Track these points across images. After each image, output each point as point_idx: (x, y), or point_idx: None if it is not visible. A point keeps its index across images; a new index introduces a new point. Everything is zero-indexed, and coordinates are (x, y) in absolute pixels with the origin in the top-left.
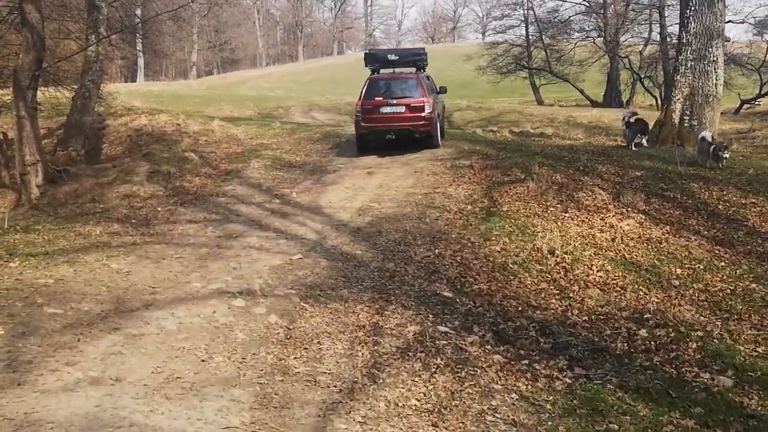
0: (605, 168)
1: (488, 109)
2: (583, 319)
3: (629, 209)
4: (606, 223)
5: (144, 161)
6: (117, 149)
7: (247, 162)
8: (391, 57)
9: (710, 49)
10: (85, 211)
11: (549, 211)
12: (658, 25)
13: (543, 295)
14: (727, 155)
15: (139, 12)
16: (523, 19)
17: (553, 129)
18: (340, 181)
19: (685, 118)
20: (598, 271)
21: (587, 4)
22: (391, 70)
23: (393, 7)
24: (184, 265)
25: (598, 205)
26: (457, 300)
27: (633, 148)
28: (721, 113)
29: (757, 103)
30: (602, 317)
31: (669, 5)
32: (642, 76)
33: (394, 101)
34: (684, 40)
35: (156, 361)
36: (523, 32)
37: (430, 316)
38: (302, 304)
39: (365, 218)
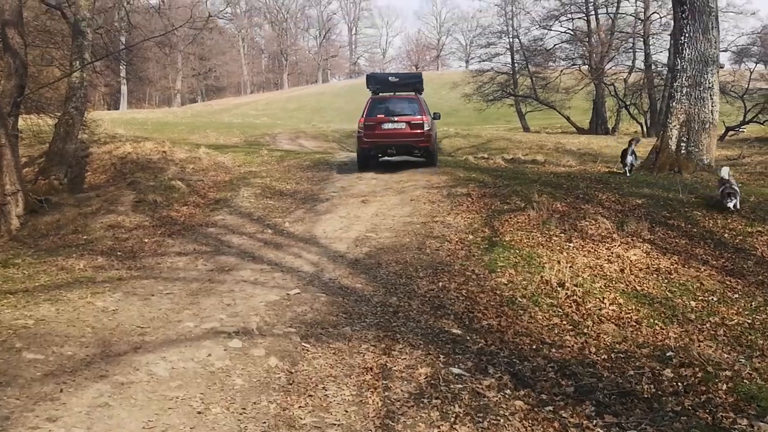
0: (605, 196)
1: (476, 136)
2: (602, 357)
3: (634, 238)
4: (612, 253)
5: (129, 190)
6: (101, 177)
7: (237, 190)
8: (392, 79)
9: (705, 76)
10: (68, 242)
11: (553, 241)
12: (643, 53)
13: (556, 331)
14: (731, 204)
15: (123, 39)
16: (508, 47)
17: (543, 156)
18: (334, 210)
19: (682, 144)
20: (610, 305)
21: (572, 33)
22: (391, 93)
23: (377, 35)
24: (174, 302)
25: (602, 234)
26: (467, 337)
27: (629, 174)
28: None
29: (741, 130)
30: (622, 355)
31: (653, 34)
32: (627, 103)
33: (396, 118)
34: (679, 67)
35: (147, 413)
36: (509, 60)
37: (441, 356)
38: (303, 344)
39: (363, 249)
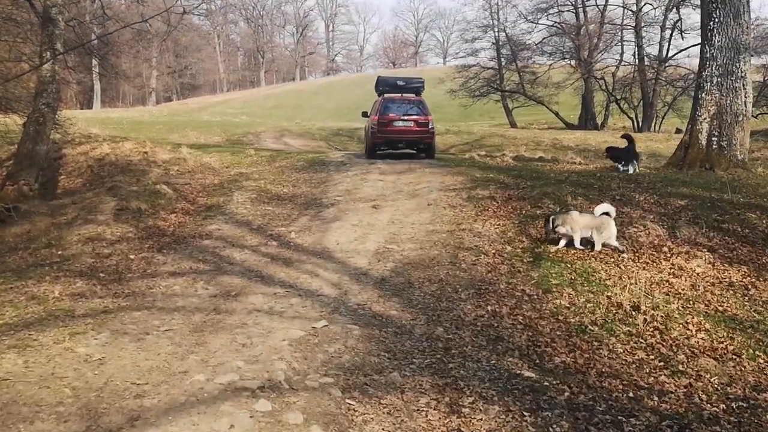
0: (642, 197)
1: (468, 133)
2: (721, 408)
3: (691, 246)
4: (674, 265)
5: (109, 196)
6: (76, 182)
7: (229, 195)
8: (400, 83)
9: (737, 64)
10: (40, 259)
11: (603, 252)
12: (634, 45)
13: (647, 370)
14: None
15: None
16: (494, 41)
17: (545, 153)
18: (343, 217)
19: (713, 139)
20: (697, 332)
21: (559, 26)
22: (398, 94)
23: (355, 32)
24: (175, 343)
25: (654, 242)
26: (546, 383)
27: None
28: None
29: None
30: (743, 404)
31: (644, 25)
32: (618, 97)
33: (405, 117)
34: (708, 55)
35: None
36: (494, 54)
37: (525, 413)
38: (348, 401)
39: (387, 264)
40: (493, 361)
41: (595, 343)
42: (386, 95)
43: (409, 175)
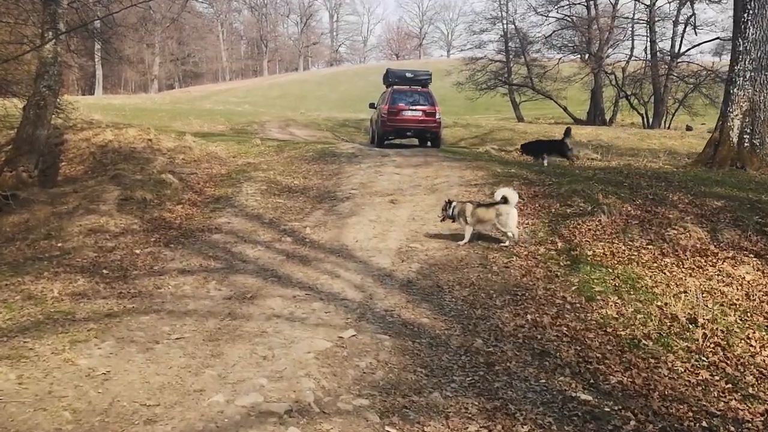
0: (676, 196)
1: (477, 126)
2: None
3: (736, 251)
4: (721, 272)
5: (112, 185)
6: (78, 169)
7: (238, 186)
8: (408, 74)
9: None
10: (39, 252)
11: (644, 256)
12: (646, 40)
13: (715, 394)
14: None
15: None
16: (502, 33)
17: None
18: (360, 212)
19: (745, 136)
20: (762, 348)
21: (570, 19)
22: (407, 86)
23: (359, 23)
24: (189, 354)
25: (696, 246)
26: (606, 407)
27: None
28: (710, 131)
29: None
30: None
31: (658, 19)
32: (628, 93)
33: (414, 107)
34: (741, 48)
35: None
36: (501, 46)
37: None
38: (387, 428)
39: (412, 265)
40: (542, 380)
41: (652, 360)
42: (395, 86)
43: (426, 168)
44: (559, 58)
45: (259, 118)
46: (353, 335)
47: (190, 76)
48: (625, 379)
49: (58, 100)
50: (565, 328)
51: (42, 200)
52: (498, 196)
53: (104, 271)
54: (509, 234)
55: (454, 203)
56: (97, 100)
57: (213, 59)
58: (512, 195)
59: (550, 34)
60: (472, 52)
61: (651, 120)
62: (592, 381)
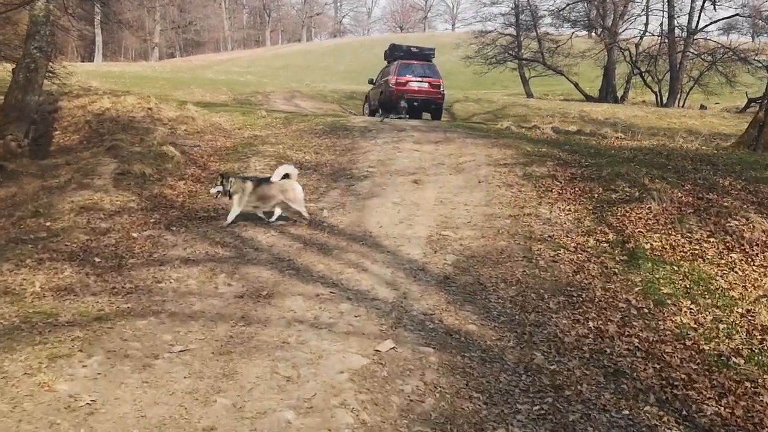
0: (727, 182)
1: (489, 102)
2: None
3: None
4: None
5: (108, 157)
6: (72, 138)
7: (245, 161)
8: (413, 49)
9: None
10: (24, 233)
11: (707, 250)
12: (662, 15)
13: None
14: None
15: None
16: (513, 5)
17: (577, 126)
18: (381, 194)
19: None
20: None
21: None
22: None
23: None
24: (195, 373)
25: (762, 239)
26: None
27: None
28: (726, 110)
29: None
30: None
31: None
32: (642, 70)
33: (420, 79)
34: None
35: None
36: (509, 20)
37: None
38: None
39: (446, 257)
40: (625, 411)
41: (748, 384)
42: (402, 60)
43: (449, 145)
44: (572, 32)
45: (263, 88)
46: (392, 348)
47: (192, 45)
48: (723, 409)
49: (51, 64)
50: (636, 340)
51: (32, 172)
52: (279, 174)
53: (96, 259)
54: (302, 211)
55: (231, 178)
56: (97, 67)
57: (215, 28)
58: (294, 171)
59: (564, 8)
60: (480, 25)
61: (666, 98)
62: (684, 413)
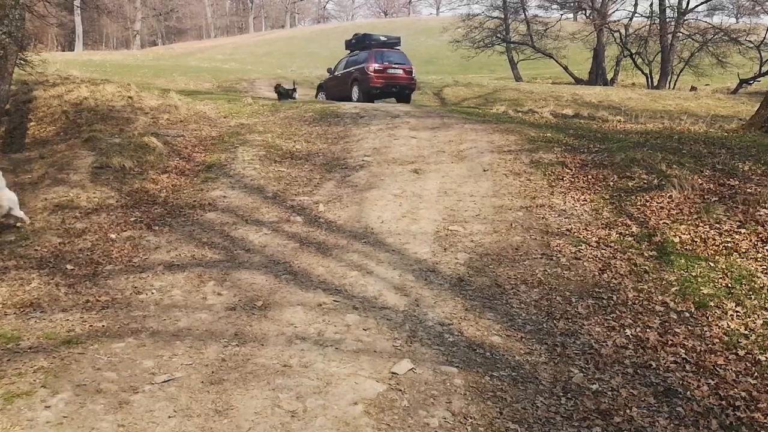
0: (747, 166)
1: (479, 86)
2: None
3: None
4: None
5: (86, 149)
6: (48, 130)
7: (232, 151)
8: (382, 38)
9: None
10: None
11: (741, 244)
12: None
13: None
14: None
15: None
16: None
17: (572, 110)
18: (380, 185)
19: None
20: None
21: None
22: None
23: None
24: (182, 411)
25: None
26: None
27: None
28: (716, 92)
29: (757, 81)
30: None
31: None
32: (632, 52)
33: (396, 65)
34: None
35: None
36: (494, 3)
37: None
38: None
39: (457, 255)
40: None
41: None
42: (375, 48)
43: (447, 131)
44: (561, 14)
45: (248, 75)
46: (410, 369)
47: (174, 33)
48: None
49: (24, 52)
50: (683, 350)
51: (3, 167)
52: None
53: (68, 267)
54: (19, 215)
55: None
56: (77, 56)
57: (197, 15)
58: None
59: None
60: (467, 8)
61: (657, 80)
62: None
